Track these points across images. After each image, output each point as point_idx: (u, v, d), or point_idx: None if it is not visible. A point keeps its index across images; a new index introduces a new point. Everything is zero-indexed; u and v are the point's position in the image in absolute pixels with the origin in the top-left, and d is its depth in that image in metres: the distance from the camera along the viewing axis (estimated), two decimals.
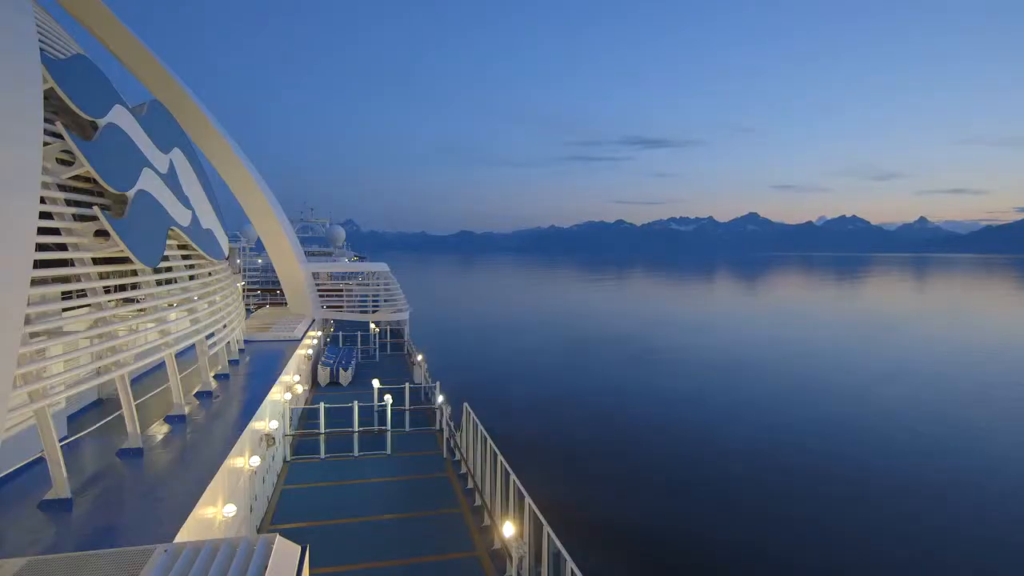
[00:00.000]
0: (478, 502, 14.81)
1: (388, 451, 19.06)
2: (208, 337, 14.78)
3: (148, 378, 15.15)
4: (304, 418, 21.53)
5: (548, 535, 9.61)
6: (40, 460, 9.05)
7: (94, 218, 9.69)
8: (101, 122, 10.48)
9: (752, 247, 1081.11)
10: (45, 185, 8.76)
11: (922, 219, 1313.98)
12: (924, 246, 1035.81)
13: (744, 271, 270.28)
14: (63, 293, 9.55)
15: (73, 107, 9.59)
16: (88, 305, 9.80)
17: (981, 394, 43.74)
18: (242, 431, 12.09)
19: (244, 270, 48.81)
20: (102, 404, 13.96)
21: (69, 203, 9.50)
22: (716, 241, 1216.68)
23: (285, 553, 5.56)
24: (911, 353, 61.17)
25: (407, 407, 21.59)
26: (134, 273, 11.06)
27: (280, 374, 18.17)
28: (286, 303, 33.96)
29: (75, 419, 12.35)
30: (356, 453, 18.73)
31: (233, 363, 18.23)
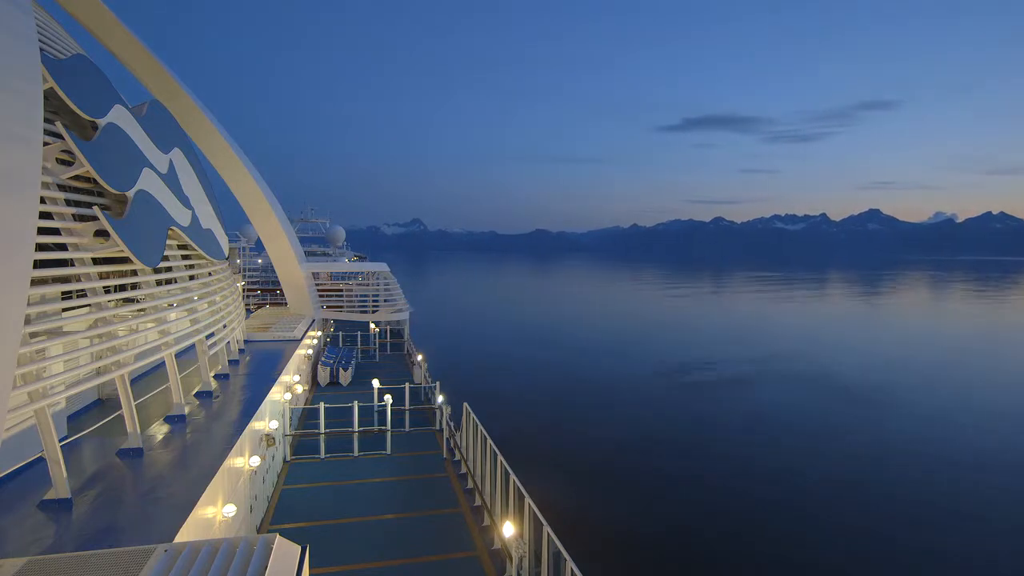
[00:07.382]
0: (478, 502, 14.82)
1: (388, 451, 19.07)
2: (208, 337, 14.79)
3: (148, 378, 15.16)
4: (304, 418, 21.53)
5: (548, 535, 9.61)
6: (40, 460, 9.05)
7: (94, 218, 9.70)
8: (101, 122, 10.49)
9: (875, 248, 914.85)
10: (45, 185, 8.76)
11: None
12: None
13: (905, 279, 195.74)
14: (63, 293, 9.56)
15: (73, 107, 9.60)
16: (88, 305, 9.80)
17: None
18: (242, 431, 12.09)
19: (244, 270, 48.79)
20: (102, 404, 13.98)
21: (69, 203, 9.50)
22: (831, 241, 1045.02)
23: (285, 553, 5.57)
24: None
25: (407, 407, 21.60)
26: (134, 273, 11.07)
27: (280, 374, 18.17)
28: (286, 303, 33.99)
29: (75, 419, 12.36)
30: (356, 453, 18.73)
31: (233, 363, 18.24)
